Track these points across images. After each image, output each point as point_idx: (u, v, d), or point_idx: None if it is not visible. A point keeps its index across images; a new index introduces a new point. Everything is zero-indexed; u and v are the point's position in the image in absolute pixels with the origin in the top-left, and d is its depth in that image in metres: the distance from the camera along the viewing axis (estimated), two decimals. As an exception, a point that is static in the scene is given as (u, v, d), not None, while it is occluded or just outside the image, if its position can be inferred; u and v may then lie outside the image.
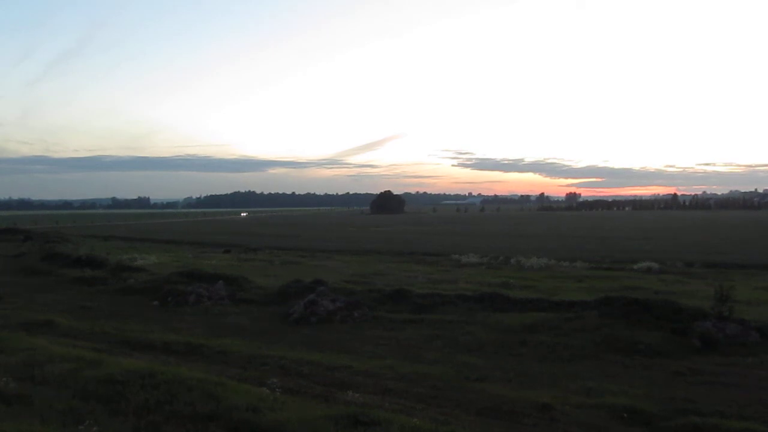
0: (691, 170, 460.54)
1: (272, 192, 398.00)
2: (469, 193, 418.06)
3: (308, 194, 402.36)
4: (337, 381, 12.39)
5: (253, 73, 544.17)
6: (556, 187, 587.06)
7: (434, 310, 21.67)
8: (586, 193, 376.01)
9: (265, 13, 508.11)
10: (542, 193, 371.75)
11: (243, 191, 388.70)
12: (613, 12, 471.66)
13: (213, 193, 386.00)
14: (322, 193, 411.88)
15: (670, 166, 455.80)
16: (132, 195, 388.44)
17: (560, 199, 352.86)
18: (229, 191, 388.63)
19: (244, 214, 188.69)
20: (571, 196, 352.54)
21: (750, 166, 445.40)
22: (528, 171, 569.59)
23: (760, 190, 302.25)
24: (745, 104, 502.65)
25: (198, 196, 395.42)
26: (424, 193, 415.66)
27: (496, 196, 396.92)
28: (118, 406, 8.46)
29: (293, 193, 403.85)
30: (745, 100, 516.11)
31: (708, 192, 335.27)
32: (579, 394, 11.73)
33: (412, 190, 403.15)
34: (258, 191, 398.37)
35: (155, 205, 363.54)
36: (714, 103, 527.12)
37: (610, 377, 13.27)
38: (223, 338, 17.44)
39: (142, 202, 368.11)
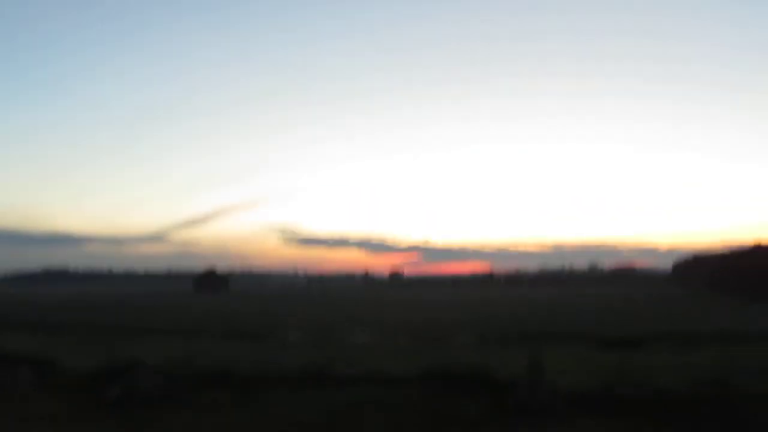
0: (505, 249, 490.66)
1: (88, 269, 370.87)
2: (295, 270, 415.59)
3: (128, 271, 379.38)
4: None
5: (64, 139, 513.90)
6: (381, 264, 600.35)
7: (261, 391, 20.92)
8: (409, 270, 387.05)
9: (77, 82, 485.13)
10: (367, 270, 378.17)
11: (55, 268, 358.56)
12: (424, 100, 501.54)
13: (21, 269, 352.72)
14: (142, 271, 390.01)
15: (487, 245, 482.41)
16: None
17: (384, 276, 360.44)
18: (40, 267, 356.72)
19: None
20: (395, 273, 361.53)
21: (557, 245, 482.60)
22: (353, 248, 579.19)
23: (567, 267, 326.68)
24: (554, 185, 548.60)
25: (3, 273, 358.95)
26: (250, 270, 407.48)
27: (321, 273, 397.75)
28: None
29: (111, 270, 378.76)
30: (553, 181, 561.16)
31: (521, 269, 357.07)
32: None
33: (238, 268, 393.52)
34: (72, 268, 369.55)
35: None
36: (526, 183, 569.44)
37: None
38: (31, 430, 15.71)
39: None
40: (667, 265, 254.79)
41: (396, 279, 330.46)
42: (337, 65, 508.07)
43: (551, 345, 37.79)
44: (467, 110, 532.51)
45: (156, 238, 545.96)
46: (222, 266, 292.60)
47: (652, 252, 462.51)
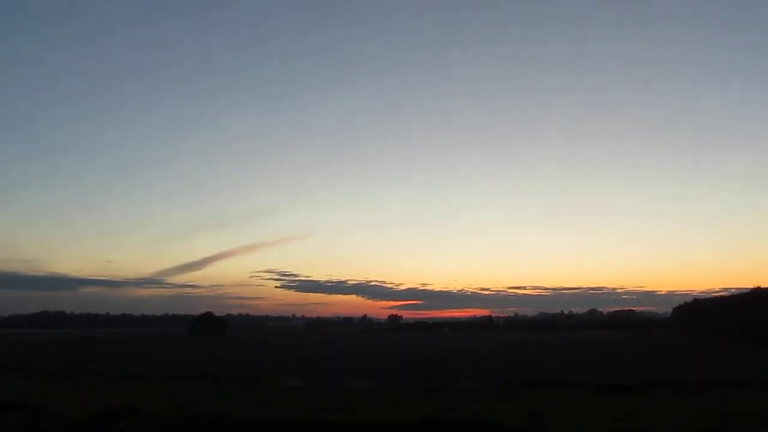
0: (504, 293, 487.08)
1: (84, 312, 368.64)
2: (293, 315, 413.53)
3: (124, 315, 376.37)
4: None
5: (63, 184, 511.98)
6: (378, 309, 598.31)
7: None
8: (407, 315, 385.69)
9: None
10: (365, 315, 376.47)
11: (51, 311, 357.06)
12: (414, 147, 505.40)
13: (17, 313, 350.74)
14: (139, 314, 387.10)
15: (485, 290, 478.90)
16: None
17: (382, 321, 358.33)
18: (36, 311, 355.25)
19: None
20: (393, 318, 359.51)
21: (555, 289, 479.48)
22: (351, 293, 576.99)
23: (566, 312, 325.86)
24: (553, 229, 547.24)
25: (0, 315, 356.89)
26: (248, 314, 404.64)
27: (319, 318, 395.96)
28: None
29: (107, 313, 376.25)
30: (552, 224, 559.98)
31: (519, 314, 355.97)
32: None
33: (235, 312, 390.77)
34: (68, 311, 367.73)
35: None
36: (525, 228, 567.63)
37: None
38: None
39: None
40: (666, 309, 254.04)
41: (394, 323, 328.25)
42: (335, 117, 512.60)
43: (550, 391, 37.45)
44: (466, 157, 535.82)
45: (153, 281, 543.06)
46: (219, 310, 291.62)
47: (651, 296, 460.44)
